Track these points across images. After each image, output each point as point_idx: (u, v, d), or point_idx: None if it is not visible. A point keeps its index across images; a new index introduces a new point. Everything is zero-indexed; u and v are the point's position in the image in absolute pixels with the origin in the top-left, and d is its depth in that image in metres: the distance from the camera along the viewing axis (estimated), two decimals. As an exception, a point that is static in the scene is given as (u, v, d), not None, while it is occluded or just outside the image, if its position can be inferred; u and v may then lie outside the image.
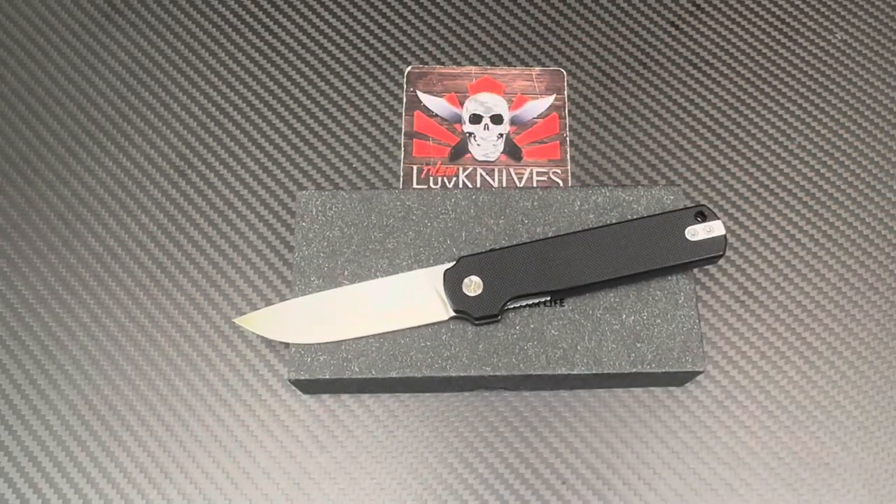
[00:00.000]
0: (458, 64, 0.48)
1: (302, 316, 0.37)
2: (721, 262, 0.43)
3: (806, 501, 0.39)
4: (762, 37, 0.49)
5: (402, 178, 0.45)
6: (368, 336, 0.37)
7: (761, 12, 0.50)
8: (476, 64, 0.48)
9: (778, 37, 0.49)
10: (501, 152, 0.46)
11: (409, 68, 0.48)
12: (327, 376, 0.36)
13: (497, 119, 0.46)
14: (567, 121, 0.47)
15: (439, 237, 0.39)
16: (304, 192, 0.40)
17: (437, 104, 0.47)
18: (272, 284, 0.43)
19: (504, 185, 0.45)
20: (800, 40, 0.49)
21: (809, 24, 0.50)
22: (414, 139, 0.46)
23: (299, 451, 0.40)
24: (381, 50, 0.48)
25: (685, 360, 0.37)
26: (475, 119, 0.46)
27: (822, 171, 0.46)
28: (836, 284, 0.43)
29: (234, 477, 0.39)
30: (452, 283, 0.37)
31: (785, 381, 0.41)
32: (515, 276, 0.37)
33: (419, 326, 0.37)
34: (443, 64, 0.48)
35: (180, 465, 0.39)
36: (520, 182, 0.45)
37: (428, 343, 0.37)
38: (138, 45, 0.48)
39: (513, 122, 0.46)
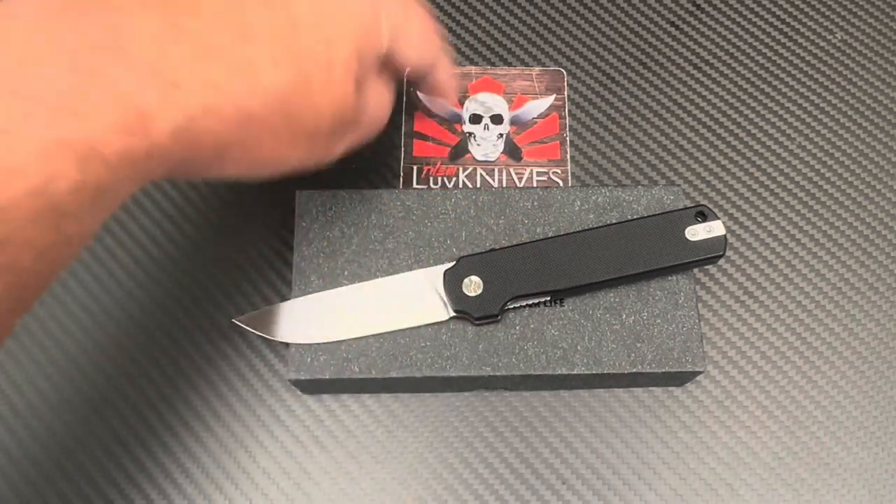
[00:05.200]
0: (459, 64, 0.48)
1: (302, 316, 0.37)
2: (721, 262, 0.43)
3: (806, 501, 0.39)
4: (762, 37, 0.49)
5: (402, 178, 0.45)
6: (368, 336, 0.37)
7: (761, 12, 0.50)
8: (476, 64, 0.48)
9: (778, 37, 0.49)
10: (501, 152, 0.46)
11: (409, 68, 0.48)
12: (327, 376, 0.36)
13: (497, 119, 0.46)
14: (567, 121, 0.47)
15: (439, 237, 0.39)
16: (304, 192, 0.40)
17: (437, 104, 0.47)
18: (272, 284, 0.43)
19: (504, 185, 0.45)
20: (800, 40, 0.49)
21: (809, 24, 0.50)
22: (414, 139, 0.46)
23: (299, 451, 0.40)
24: (381, 50, 0.48)
25: (685, 360, 0.37)
26: (475, 119, 0.46)
27: (822, 171, 0.46)
28: (836, 284, 0.43)
29: (235, 477, 0.39)
30: (452, 283, 0.37)
31: (785, 381, 0.41)
32: (515, 276, 0.37)
33: (419, 326, 0.37)
34: (443, 64, 0.48)
35: (180, 465, 0.39)
36: (520, 182, 0.45)
37: (428, 343, 0.37)
38: (138, 45, 0.48)
39: (513, 122, 0.46)
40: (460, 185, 0.45)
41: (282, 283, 0.43)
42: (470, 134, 0.46)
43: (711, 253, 0.37)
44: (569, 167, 0.45)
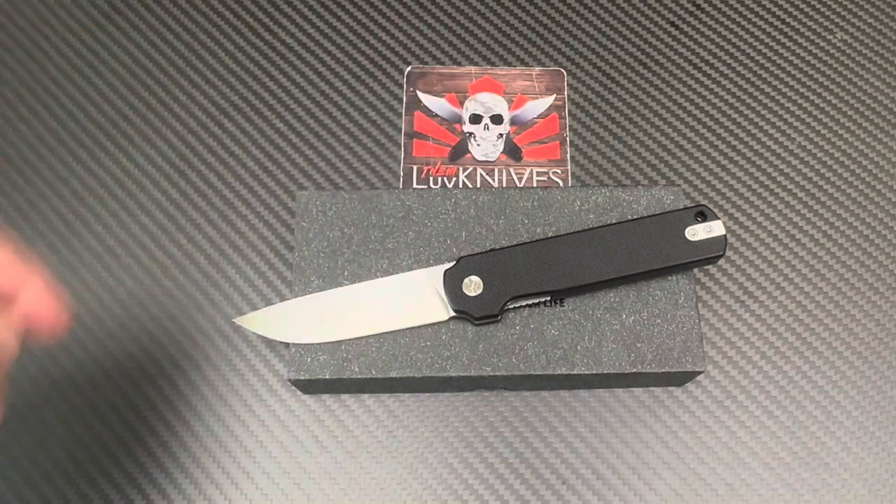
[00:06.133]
0: (458, 64, 0.48)
1: (302, 316, 0.37)
2: (721, 262, 0.43)
3: (806, 501, 0.39)
4: (762, 37, 0.49)
5: (402, 178, 0.45)
6: (368, 336, 0.37)
7: (761, 12, 0.50)
8: (476, 64, 0.48)
9: (778, 37, 0.49)
10: (501, 152, 0.46)
11: (409, 68, 0.48)
12: (327, 376, 0.36)
13: (497, 119, 0.46)
14: (567, 121, 0.47)
15: (439, 237, 0.39)
16: (304, 192, 0.40)
17: (437, 104, 0.47)
18: (272, 284, 0.43)
19: (504, 185, 0.45)
20: (800, 40, 0.49)
21: (809, 24, 0.50)
22: (414, 139, 0.46)
23: (299, 451, 0.40)
24: (381, 50, 0.48)
25: (685, 360, 0.37)
26: (475, 119, 0.46)
27: (822, 171, 0.46)
28: (836, 284, 0.43)
29: (235, 477, 0.39)
30: (452, 283, 0.37)
31: (785, 381, 0.41)
32: (515, 276, 0.37)
33: (419, 326, 0.37)
34: (443, 64, 0.48)
35: (180, 465, 0.39)
36: (520, 182, 0.45)
37: (428, 343, 0.37)
38: (138, 45, 0.48)
39: (513, 122, 0.46)
40: (460, 185, 0.45)
41: (282, 283, 0.43)
42: (470, 134, 0.46)
43: (711, 253, 0.37)
44: (569, 167, 0.45)
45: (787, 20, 0.50)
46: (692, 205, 0.39)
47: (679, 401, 0.41)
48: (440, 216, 0.39)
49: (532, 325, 0.37)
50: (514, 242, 0.38)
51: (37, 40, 0.48)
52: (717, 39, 0.49)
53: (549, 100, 0.47)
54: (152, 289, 0.42)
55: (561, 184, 0.45)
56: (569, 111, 0.47)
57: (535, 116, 0.47)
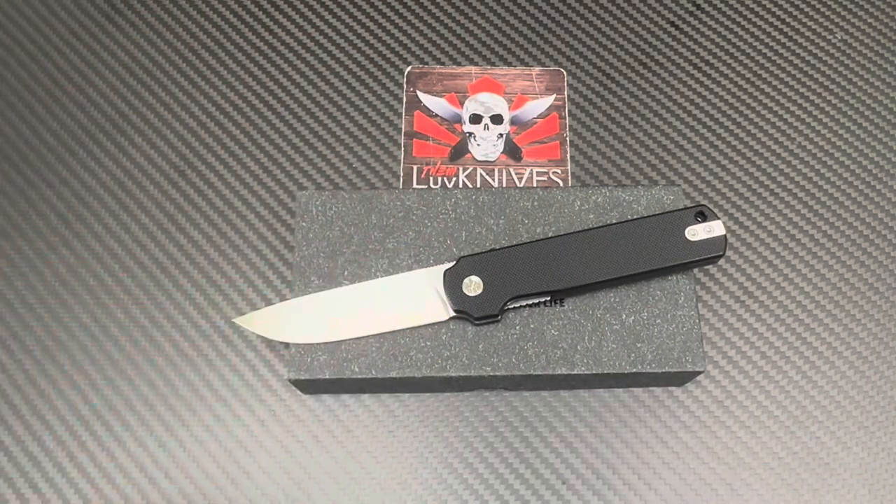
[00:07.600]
0: (458, 64, 0.48)
1: (302, 316, 0.37)
2: (721, 262, 0.43)
3: (806, 501, 0.39)
4: (762, 37, 0.49)
5: (402, 178, 0.45)
6: (368, 336, 0.37)
7: (761, 12, 0.50)
8: (476, 64, 0.48)
9: (778, 37, 0.49)
10: (501, 152, 0.46)
11: (409, 68, 0.48)
12: (327, 376, 0.36)
13: (497, 119, 0.46)
14: (567, 121, 0.47)
15: (439, 237, 0.39)
16: (304, 192, 0.40)
17: (437, 104, 0.47)
18: (272, 284, 0.43)
19: (504, 185, 0.45)
20: (800, 40, 0.49)
21: (809, 24, 0.50)
22: (414, 139, 0.46)
23: (299, 451, 0.40)
24: (381, 50, 0.48)
25: (685, 360, 0.37)
26: (475, 119, 0.46)
27: (822, 171, 0.46)
28: (836, 284, 0.43)
29: (234, 477, 0.39)
30: (452, 283, 0.37)
31: (785, 381, 0.41)
32: (515, 276, 0.37)
33: (419, 326, 0.37)
34: (443, 64, 0.48)
35: (180, 465, 0.39)
36: (520, 182, 0.45)
37: (428, 343, 0.37)
38: (138, 45, 0.48)
39: (513, 122, 0.46)
40: (460, 185, 0.45)
41: (282, 283, 0.43)
42: (470, 134, 0.46)
43: (711, 253, 0.37)
44: (569, 167, 0.45)
45: (787, 20, 0.50)
46: (692, 205, 0.39)
47: (679, 401, 0.41)
48: (440, 216, 0.39)
49: (532, 325, 0.37)
50: (514, 242, 0.38)
51: (37, 40, 0.48)
52: (717, 39, 0.49)
53: (549, 100, 0.47)
54: (152, 289, 0.42)
55: (561, 184, 0.45)
56: (569, 111, 0.47)
57: (535, 116, 0.47)
